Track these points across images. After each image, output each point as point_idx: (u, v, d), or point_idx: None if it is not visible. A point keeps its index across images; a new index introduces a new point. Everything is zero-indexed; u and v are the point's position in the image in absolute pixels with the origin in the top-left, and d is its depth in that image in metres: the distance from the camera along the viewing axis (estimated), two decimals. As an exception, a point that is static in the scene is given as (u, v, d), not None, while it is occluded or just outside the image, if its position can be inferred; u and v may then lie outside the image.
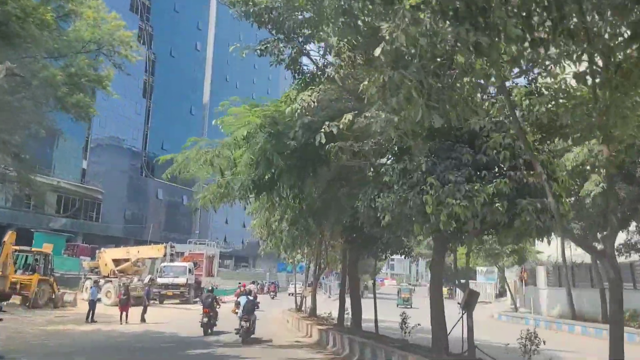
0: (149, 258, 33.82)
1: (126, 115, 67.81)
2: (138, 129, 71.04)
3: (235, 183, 10.99)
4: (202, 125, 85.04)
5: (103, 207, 64.17)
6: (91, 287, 22.17)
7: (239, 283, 30.38)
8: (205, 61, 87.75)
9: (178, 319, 24.33)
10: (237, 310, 17.95)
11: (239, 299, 18.84)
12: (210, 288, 21.39)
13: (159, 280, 32.97)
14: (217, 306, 19.38)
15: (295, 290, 29.22)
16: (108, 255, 32.42)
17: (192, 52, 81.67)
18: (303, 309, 25.87)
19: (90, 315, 20.79)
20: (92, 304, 20.99)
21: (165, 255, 31.03)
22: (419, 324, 13.63)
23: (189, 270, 34.08)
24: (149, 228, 70.63)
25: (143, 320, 21.70)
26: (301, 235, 16.48)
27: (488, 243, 29.53)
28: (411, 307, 35.78)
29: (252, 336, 17.55)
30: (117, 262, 32.12)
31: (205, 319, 18.49)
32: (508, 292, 36.86)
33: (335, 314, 20.58)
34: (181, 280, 33.21)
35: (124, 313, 21.38)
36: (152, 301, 30.76)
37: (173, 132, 75.62)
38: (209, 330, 18.60)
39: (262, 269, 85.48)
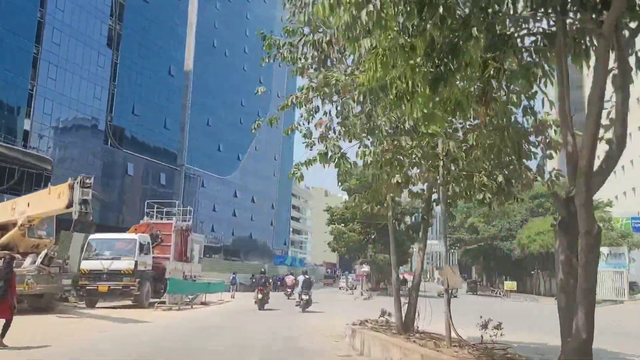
0: (45, 212, 17.19)
1: (85, 66, 53.71)
2: (102, 86, 56.57)
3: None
4: (184, 93, 71.79)
5: (54, 181, 49.66)
6: None
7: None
8: (188, 13, 73.60)
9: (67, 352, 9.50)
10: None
11: (297, 278, 24.81)
12: (263, 270, 24.18)
13: (84, 266, 17.90)
14: (269, 286, 23.79)
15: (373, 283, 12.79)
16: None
17: (171, -3, 66.86)
18: (420, 326, 9.54)
19: None
20: None
21: (70, 204, 14.03)
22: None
23: (141, 247, 18.94)
24: (125, 213, 55.71)
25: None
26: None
27: None
28: None
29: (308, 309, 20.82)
30: (2, 231, 16.80)
31: (260, 296, 21.76)
32: None
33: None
34: (125, 264, 18.08)
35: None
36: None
37: (147, 95, 62.80)
38: (263, 307, 21.47)
39: (257, 263, 73.18)
